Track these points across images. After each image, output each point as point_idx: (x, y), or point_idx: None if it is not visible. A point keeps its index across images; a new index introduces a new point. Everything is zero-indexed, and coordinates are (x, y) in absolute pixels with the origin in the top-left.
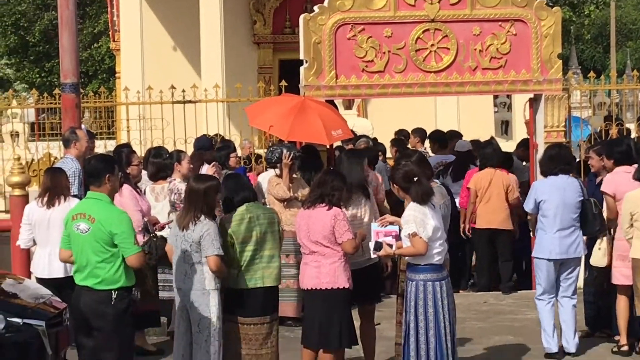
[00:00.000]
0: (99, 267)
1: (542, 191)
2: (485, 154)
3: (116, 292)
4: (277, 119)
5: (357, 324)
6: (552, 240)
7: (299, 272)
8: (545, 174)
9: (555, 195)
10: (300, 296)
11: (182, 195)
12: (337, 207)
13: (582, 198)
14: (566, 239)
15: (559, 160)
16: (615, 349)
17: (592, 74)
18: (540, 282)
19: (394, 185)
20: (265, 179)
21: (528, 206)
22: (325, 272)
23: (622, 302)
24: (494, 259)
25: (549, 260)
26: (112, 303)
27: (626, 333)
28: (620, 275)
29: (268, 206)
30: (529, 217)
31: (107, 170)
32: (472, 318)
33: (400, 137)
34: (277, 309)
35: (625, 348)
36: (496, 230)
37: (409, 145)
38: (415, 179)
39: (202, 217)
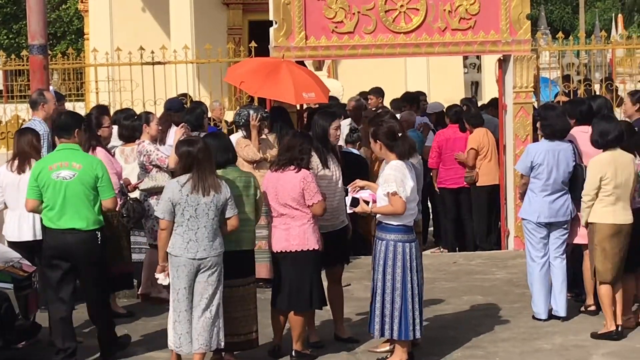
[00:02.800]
0: (84, 209)
1: (537, 154)
2: (474, 114)
3: (99, 233)
4: (249, 76)
5: (325, 285)
6: (541, 203)
7: None
8: (552, 137)
9: (549, 159)
10: None
11: (151, 157)
12: (306, 169)
13: (574, 163)
14: (555, 203)
15: (558, 123)
16: (582, 309)
17: (560, 34)
18: (528, 244)
19: (376, 142)
20: (233, 141)
21: (523, 169)
22: (295, 234)
23: (587, 263)
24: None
25: (537, 223)
26: (99, 242)
27: (593, 293)
28: (580, 235)
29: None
30: (522, 180)
31: (77, 126)
32: (441, 278)
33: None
34: (253, 273)
35: (593, 308)
36: (496, 186)
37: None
38: (400, 134)
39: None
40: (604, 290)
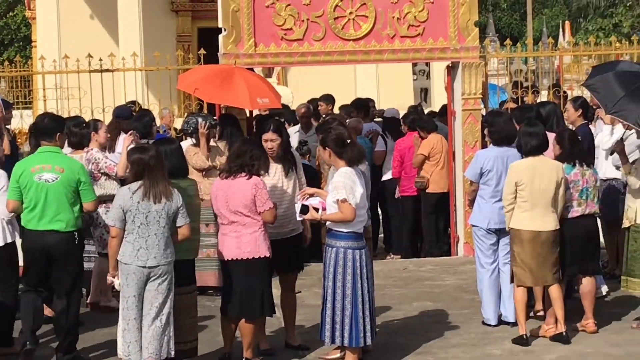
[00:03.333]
0: (65, 211)
1: (486, 161)
2: (426, 120)
3: (77, 234)
4: (203, 83)
5: (277, 292)
6: (491, 209)
7: None
8: (500, 143)
9: (498, 165)
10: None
11: (99, 165)
12: (257, 176)
13: None
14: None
15: (506, 130)
16: (532, 314)
17: (508, 41)
18: (477, 250)
19: (325, 149)
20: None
21: (472, 175)
22: (246, 241)
23: None
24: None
25: (487, 229)
26: (76, 243)
27: (542, 298)
28: None
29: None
30: (472, 187)
31: (58, 129)
32: (392, 285)
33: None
34: (195, 281)
35: (542, 313)
36: (447, 194)
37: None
38: (348, 141)
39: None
40: (519, 295)
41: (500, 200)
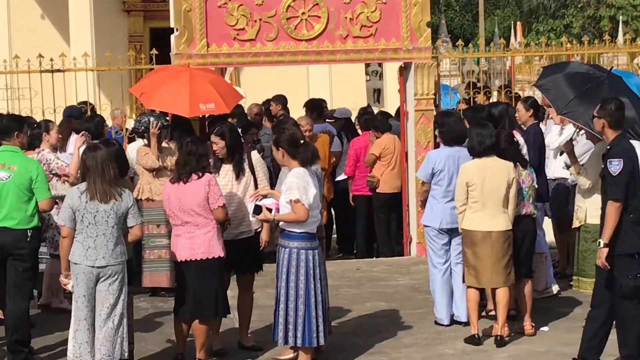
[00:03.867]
0: (17, 209)
1: (438, 161)
2: (382, 120)
3: (31, 231)
4: (150, 87)
5: (233, 293)
6: (443, 209)
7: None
8: (451, 142)
9: (450, 165)
10: (173, 266)
11: (51, 166)
12: (209, 173)
13: None
14: (456, 209)
15: (456, 129)
16: (484, 314)
17: (460, 42)
18: (430, 250)
19: (278, 150)
20: (134, 149)
21: (424, 176)
22: (200, 242)
23: None
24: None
25: (439, 230)
26: (28, 240)
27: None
28: None
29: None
30: (423, 188)
31: (17, 128)
32: (345, 285)
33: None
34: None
35: (494, 312)
36: (397, 194)
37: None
38: (302, 141)
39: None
40: (471, 295)
41: (452, 200)
